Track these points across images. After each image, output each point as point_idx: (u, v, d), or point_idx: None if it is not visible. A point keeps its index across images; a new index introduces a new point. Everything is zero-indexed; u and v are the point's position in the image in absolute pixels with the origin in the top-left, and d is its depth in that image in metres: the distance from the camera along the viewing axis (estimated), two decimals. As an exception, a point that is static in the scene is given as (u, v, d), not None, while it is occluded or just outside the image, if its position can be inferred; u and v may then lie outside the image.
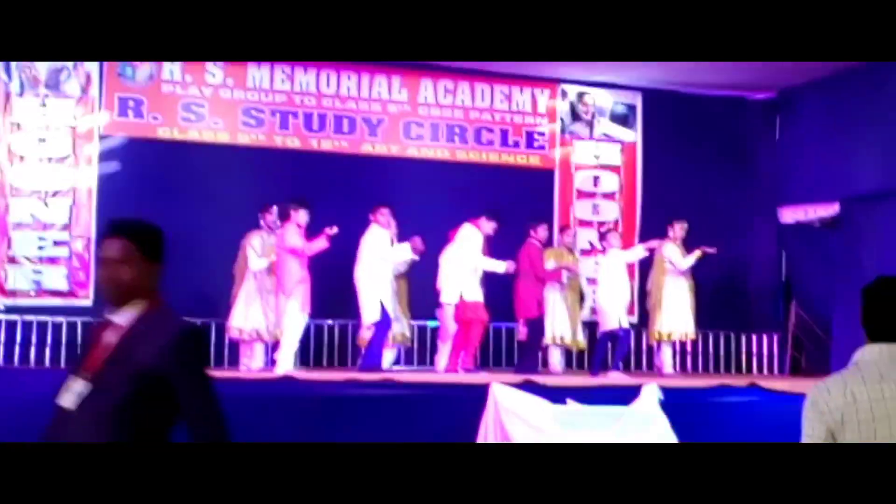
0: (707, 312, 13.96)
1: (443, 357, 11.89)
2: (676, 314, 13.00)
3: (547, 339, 12.45)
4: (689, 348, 14.12)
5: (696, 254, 12.81)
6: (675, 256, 12.96)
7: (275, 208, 11.74)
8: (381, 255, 11.38)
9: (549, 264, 12.11)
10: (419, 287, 12.16)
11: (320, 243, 11.25)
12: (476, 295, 11.49)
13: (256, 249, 11.67)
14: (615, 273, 12.38)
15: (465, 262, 11.51)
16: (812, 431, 3.72)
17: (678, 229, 13.12)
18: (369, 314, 11.26)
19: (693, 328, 13.15)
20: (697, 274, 13.49)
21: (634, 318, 13.48)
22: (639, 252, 12.98)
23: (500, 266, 11.62)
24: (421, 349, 12.76)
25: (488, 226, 11.65)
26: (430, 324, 12.39)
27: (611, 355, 12.37)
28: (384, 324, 11.29)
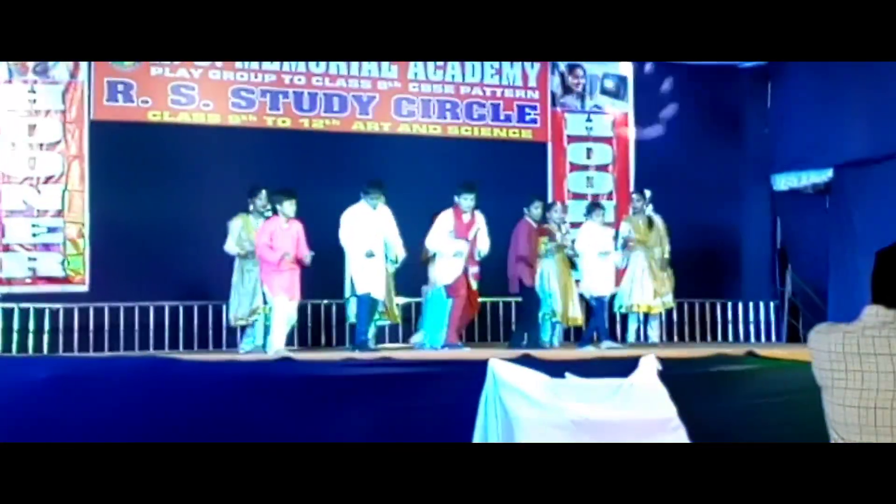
0: (702, 281, 14.01)
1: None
2: (636, 288, 12.94)
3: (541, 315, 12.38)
4: (685, 317, 14.16)
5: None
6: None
7: (263, 192, 11.61)
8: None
9: (542, 247, 12.03)
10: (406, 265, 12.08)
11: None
12: (454, 272, 11.47)
13: (233, 233, 11.56)
14: (593, 247, 12.30)
15: (431, 245, 11.57)
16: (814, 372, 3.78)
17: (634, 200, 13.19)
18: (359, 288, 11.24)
19: (652, 301, 13.05)
20: (691, 242, 13.54)
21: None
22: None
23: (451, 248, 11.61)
24: (406, 326, 12.71)
25: (464, 202, 11.53)
26: None
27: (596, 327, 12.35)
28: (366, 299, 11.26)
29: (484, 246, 11.62)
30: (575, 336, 13.20)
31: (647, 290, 12.90)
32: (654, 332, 13.17)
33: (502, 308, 13.16)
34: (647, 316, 13.21)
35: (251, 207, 11.64)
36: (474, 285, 11.65)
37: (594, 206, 12.94)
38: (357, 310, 11.30)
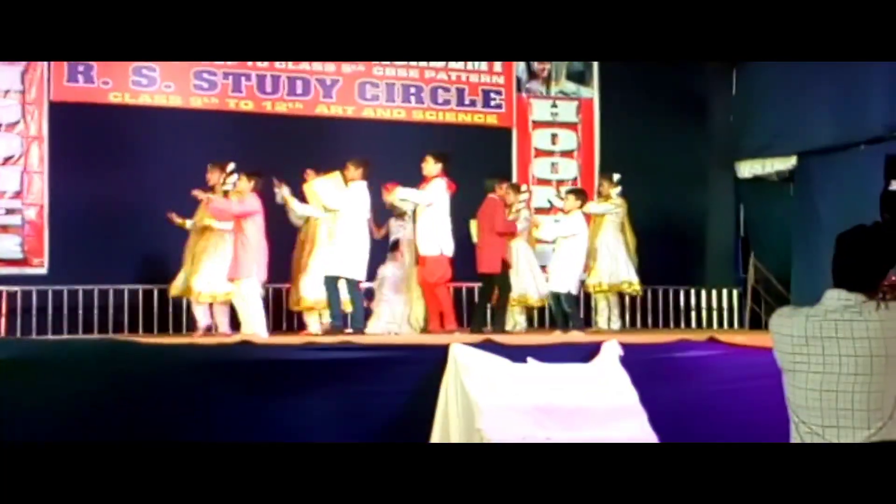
0: (666, 268, 14.02)
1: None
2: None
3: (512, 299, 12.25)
4: (648, 303, 14.15)
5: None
6: None
7: (232, 164, 11.34)
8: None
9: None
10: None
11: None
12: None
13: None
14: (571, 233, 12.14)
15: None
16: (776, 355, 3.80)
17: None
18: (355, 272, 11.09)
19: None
20: (655, 229, 13.55)
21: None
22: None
23: None
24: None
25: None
26: None
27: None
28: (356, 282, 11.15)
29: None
30: (539, 321, 13.20)
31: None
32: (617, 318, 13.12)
33: (465, 293, 13.08)
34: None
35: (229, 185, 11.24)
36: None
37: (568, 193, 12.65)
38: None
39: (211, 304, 11.31)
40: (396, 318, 11.60)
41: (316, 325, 11.63)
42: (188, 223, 11.42)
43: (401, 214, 11.81)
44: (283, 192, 11.33)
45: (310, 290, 11.49)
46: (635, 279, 12.84)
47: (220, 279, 10.98)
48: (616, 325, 13.01)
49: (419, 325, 11.81)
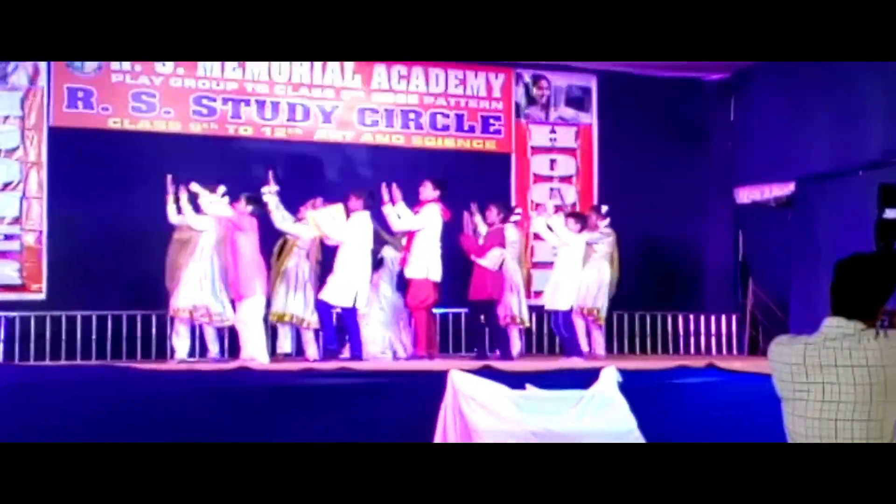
0: (664, 293, 14.02)
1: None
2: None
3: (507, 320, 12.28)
4: (647, 329, 14.14)
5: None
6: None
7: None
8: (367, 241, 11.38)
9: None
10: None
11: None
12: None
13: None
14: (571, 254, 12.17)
15: None
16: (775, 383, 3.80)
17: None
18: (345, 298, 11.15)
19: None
20: (654, 254, 13.56)
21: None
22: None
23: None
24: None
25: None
26: None
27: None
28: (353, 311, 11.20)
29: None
30: (538, 347, 13.19)
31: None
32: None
33: (464, 319, 13.05)
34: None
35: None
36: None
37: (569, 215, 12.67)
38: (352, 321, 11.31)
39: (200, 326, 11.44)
40: (378, 342, 11.66)
41: (287, 339, 11.62)
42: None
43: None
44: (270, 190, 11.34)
45: (280, 303, 11.50)
46: (604, 310, 12.72)
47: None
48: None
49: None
